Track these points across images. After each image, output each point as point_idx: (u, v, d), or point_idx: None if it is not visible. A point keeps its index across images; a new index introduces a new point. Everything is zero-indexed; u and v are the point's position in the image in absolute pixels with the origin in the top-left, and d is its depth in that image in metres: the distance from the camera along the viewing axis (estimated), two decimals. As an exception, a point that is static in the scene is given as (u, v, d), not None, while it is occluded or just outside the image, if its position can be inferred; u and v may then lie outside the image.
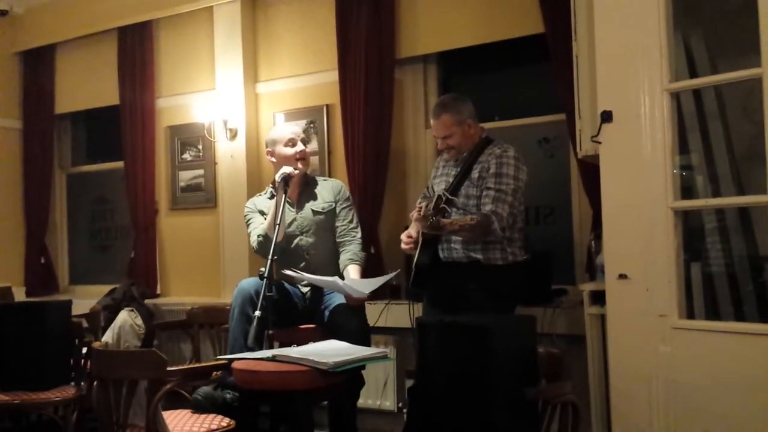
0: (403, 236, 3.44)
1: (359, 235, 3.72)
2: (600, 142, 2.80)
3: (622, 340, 2.74)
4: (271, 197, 3.67)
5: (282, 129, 3.80)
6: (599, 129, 2.78)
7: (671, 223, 2.61)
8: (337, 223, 3.69)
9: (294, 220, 3.66)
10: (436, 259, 3.38)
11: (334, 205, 3.71)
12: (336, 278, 3.38)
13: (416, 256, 3.37)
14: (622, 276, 2.71)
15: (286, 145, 3.68)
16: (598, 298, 3.12)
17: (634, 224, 2.69)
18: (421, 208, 3.08)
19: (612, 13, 2.79)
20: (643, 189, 2.65)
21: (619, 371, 2.75)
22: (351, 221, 3.72)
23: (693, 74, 3.02)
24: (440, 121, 3.38)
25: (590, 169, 3.36)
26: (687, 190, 2.98)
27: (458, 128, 3.35)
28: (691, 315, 2.72)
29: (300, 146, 3.68)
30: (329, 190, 3.75)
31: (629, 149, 2.70)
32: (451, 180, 3.40)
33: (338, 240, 3.68)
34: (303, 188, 3.74)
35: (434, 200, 3.08)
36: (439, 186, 3.47)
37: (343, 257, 3.62)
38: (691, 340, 2.56)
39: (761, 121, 2.40)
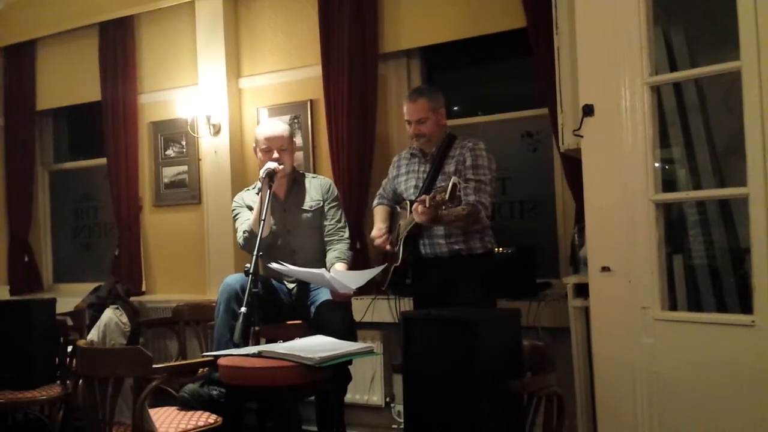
0: (374, 233, 3.55)
1: (347, 234, 3.70)
2: (582, 136, 2.82)
3: (606, 332, 2.77)
4: (259, 192, 3.64)
5: (263, 131, 3.67)
6: (581, 123, 2.80)
7: (653, 215, 2.64)
8: (325, 222, 3.67)
9: (281, 217, 3.65)
10: (418, 256, 3.44)
11: (322, 204, 3.69)
12: (323, 270, 3.37)
13: (400, 253, 3.41)
14: (605, 269, 2.73)
15: (262, 151, 3.62)
16: (582, 290, 3.15)
17: (616, 217, 2.71)
18: (425, 199, 3.03)
19: (593, 7, 2.81)
20: (625, 182, 2.68)
21: (603, 363, 2.78)
22: (339, 220, 3.70)
23: (673, 68, 3.05)
24: (417, 105, 3.44)
25: (573, 163, 3.38)
26: (668, 183, 3.00)
27: (432, 115, 3.44)
28: (673, 306, 2.75)
29: (275, 155, 3.55)
30: (317, 188, 3.72)
31: (611, 143, 2.72)
32: (422, 176, 3.48)
33: (326, 239, 3.66)
34: (291, 185, 3.72)
35: (449, 188, 2.95)
36: (408, 184, 3.53)
37: (330, 255, 3.61)
38: (673, 331, 2.59)
39: (741, 114, 2.42)
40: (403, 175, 3.58)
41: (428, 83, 4.50)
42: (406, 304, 3.76)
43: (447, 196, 2.97)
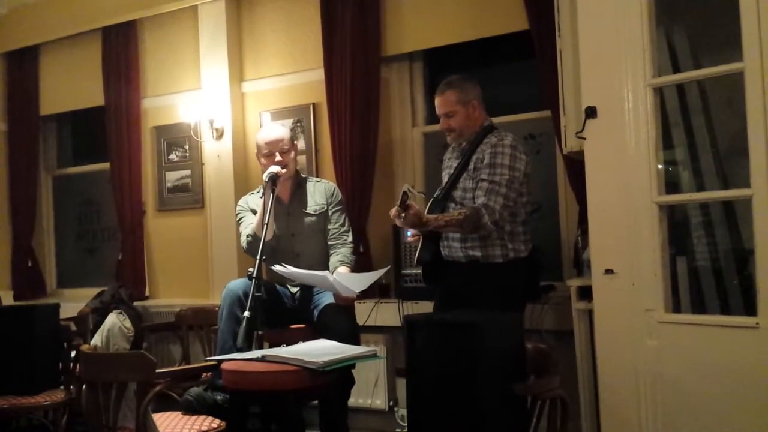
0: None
1: (350, 238, 3.71)
2: (585, 138, 2.82)
3: (610, 335, 2.76)
4: (263, 196, 3.64)
5: (264, 135, 3.70)
6: (584, 125, 2.80)
7: (656, 217, 2.63)
8: (329, 226, 3.68)
9: (285, 221, 3.65)
10: (438, 257, 3.29)
11: (326, 208, 3.69)
12: (326, 273, 3.38)
13: (417, 252, 3.33)
14: (609, 271, 2.72)
15: (264, 156, 3.63)
16: (586, 293, 3.13)
17: (619, 219, 2.70)
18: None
19: (595, 9, 2.81)
20: (628, 184, 2.67)
21: (607, 365, 2.77)
22: (343, 224, 3.70)
23: (676, 69, 3.04)
24: (444, 98, 3.27)
25: (576, 165, 3.36)
26: (672, 185, 3.00)
27: (462, 108, 3.23)
28: (677, 309, 2.74)
29: (278, 158, 3.59)
30: (321, 192, 3.73)
31: (613, 145, 2.72)
32: (452, 172, 3.32)
33: (329, 243, 3.67)
34: (295, 189, 3.73)
35: (400, 196, 2.98)
36: (444, 179, 3.40)
37: (334, 259, 3.61)
38: (677, 333, 2.58)
39: (744, 115, 2.42)
40: (445, 170, 3.43)
41: (431, 86, 4.49)
42: (410, 308, 3.76)
43: (398, 204, 2.95)
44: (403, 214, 2.95)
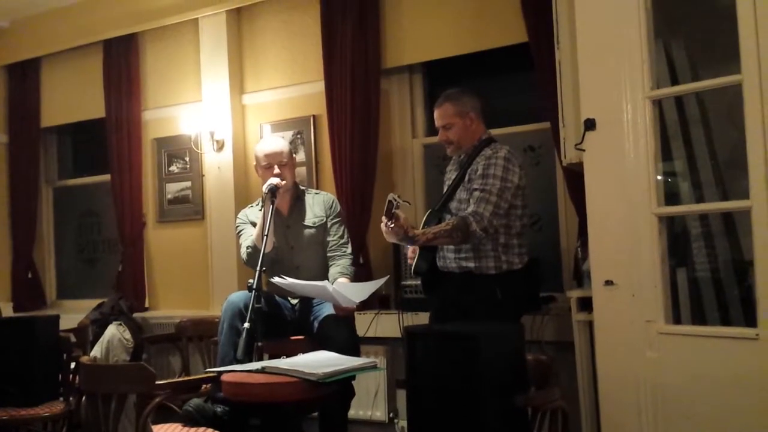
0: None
1: (349, 250, 3.70)
2: (584, 150, 2.82)
3: (610, 346, 2.76)
4: (263, 209, 3.65)
5: (262, 148, 3.69)
6: (583, 136, 2.81)
7: (656, 229, 2.63)
8: (328, 238, 3.67)
9: (284, 233, 3.65)
10: (434, 267, 3.29)
11: (325, 220, 3.69)
12: (326, 283, 3.37)
13: (414, 262, 3.33)
14: (609, 282, 2.73)
15: (263, 168, 3.63)
16: (586, 304, 3.13)
17: (619, 231, 2.71)
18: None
19: (593, 21, 2.82)
20: (627, 195, 2.68)
21: (608, 377, 2.77)
22: (342, 236, 3.69)
23: (674, 82, 3.05)
24: (442, 110, 3.28)
25: (575, 177, 3.37)
26: (671, 196, 3.00)
27: (459, 120, 3.24)
28: (677, 320, 2.74)
29: (276, 170, 3.57)
30: (320, 204, 3.73)
31: (613, 156, 2.72)
32: (450, 184, 3.34)
33: (329, 254, 3.66)
34: (294, 201, 3.73)
35: (386, 206, 2.96)
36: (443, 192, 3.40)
37: (333, 270, 3.60)
38: (677, 345, 2.58)
39: (743, 127, 2.43)
40: (445, 182, 3.43)
41: (431, 98, 4.51)
42: (410, 319, 3.76)
43: (384, 214, 2.93)
44: (391, 224, 2.95)
